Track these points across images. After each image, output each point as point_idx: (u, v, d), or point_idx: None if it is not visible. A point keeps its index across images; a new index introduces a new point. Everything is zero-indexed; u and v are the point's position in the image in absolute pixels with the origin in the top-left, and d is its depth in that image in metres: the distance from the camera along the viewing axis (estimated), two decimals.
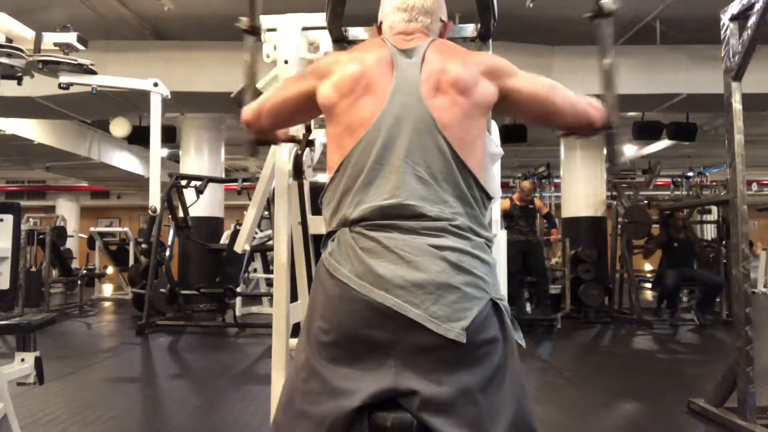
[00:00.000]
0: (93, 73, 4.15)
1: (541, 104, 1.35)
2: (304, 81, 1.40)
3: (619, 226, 7.60)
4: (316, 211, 2.09)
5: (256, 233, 7.27)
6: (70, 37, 3.88)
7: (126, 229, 10.97)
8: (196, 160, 8.69)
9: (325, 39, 2.20)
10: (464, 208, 1.25)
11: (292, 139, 1.75)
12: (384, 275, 1.16)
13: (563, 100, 1.35)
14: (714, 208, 8.90)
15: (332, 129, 1.34)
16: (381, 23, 1.46)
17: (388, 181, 1.23)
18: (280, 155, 2.03)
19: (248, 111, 1.46)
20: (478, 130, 1.31)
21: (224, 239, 8.05)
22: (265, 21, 2.28)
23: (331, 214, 1.31)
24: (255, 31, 1.67)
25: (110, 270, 11.03)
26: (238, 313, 7.05)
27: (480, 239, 1.25)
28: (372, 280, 1.16)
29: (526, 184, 7.12)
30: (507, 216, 6.67)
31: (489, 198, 1.32)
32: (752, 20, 3.00)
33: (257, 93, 1.62)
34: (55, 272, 9.65)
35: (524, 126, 8.08)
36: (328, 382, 1.17)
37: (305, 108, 1.41)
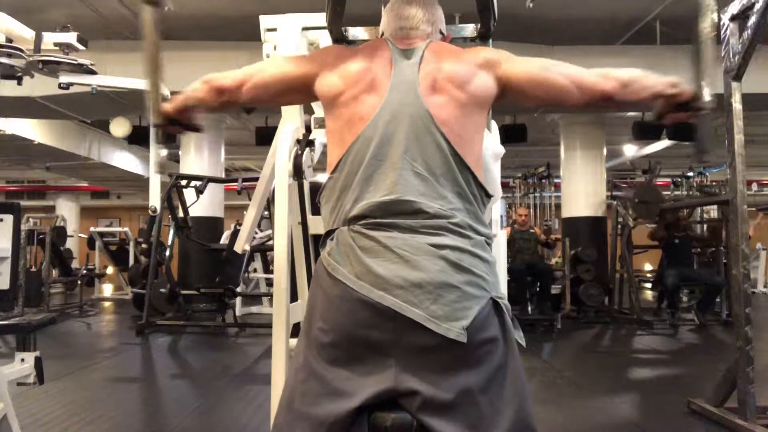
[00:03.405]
0: (93, 73, 4.16)
1: (541, 86, 1.31)
2: (306, 64, 1.39)
3: (620, 226, 7.60)
4: (316, 211, 2.09)
5: (256, 233, 7.27)
6: (70, 37, 3.88)
7: (126, 229, 10.98)
8: (196, 160, 8.69)
9: (325, 39, 2.20)
10: (463, 204, 1.25)
11: (197, 129, 1.44)
12: (383, 275, 1.15)
13: (564, 77, 1.30)
14: (714, 208, 8.91)
15: (333, 123, 1.34)
16: (383, 34, 1.47)
17: (387, 177, 1.23)
18: (280, 155, 2.03)
19: (227, 77, 1.37)
20: (476, 127, 1.31)
21: (224, 239, 8.04)
22: (265, 21, 2.29)
23: (330, 212, 1.31)
24: (158, 1, 1.28)
25: (110, 270, 11.03)
26: (238, 313, 7.05)
27: (480, 237, 1.25)
28: (371, 280, 1.16)
29: (522, 209, 7.72)
30: (510, 243, 6.83)
31: (488, 196, 1.31)
32: (752, 20, 2.99)
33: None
34: (55, 272, 9.65)
35: (524, 126, 8.09)
36: (327, 383, 1.16)
37: (298, 90, 1.40)
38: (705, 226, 8.86)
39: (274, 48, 2.27)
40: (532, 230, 7.37)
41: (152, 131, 1.31)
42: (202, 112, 1.40)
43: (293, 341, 1.84)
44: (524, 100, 1.37)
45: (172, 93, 4.88)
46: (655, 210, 7.23)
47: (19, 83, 4.04)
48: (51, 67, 3.97)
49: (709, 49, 1.26)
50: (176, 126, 1.39)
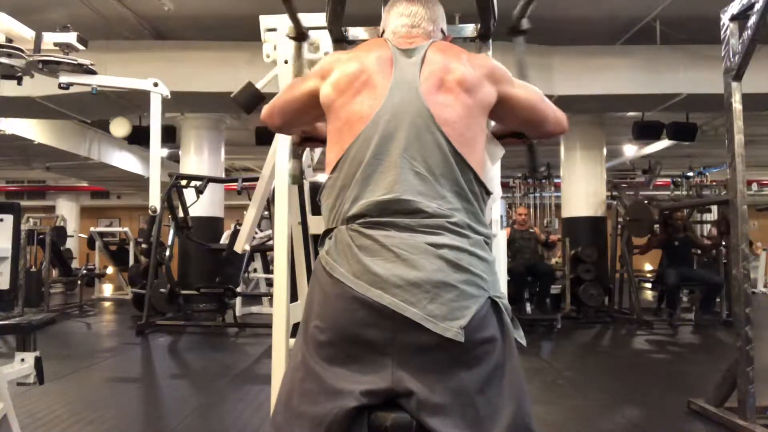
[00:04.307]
0: (93, 73, 4.15)
1: (533, 112, 1.40)
2: (308, 81, 1.42)
3: (620, 226, 7.60)
4: (316, 211, 2.09)
5: (256, 233, 7.27)
6: (70, 37, 3.87)
7: (126, 229, 10.98)
8: (196, 160, 8.69)
9: (325, 39, 2.20)
10: (462, 203, 1.25)
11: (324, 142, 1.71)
12: (380, 274, 1.15)
13: (549, 108, 1.42)
14: (714, 208, 8.91)
15: (332, 125, 1.35)
16: (383, 32, 1.47)
17: (386, 176, 1.23)
18: (280, 155, 2.03)
19: (265, 109, 1.50)
20: (479, 128, 1.32)
21: (224, 239, 8.05)
22: (265, 21, 2.29)
23: (329, 210, 1.31)
24: (302, 36, 1.68)
25: (110, 270, 11.04)
26: (238, 313, 7.05)
27: (479, 236, 1.25)
28: (369, 279, 1.16)
29: (522, 209, 7.68)
30: (510, 243, 6.83)
31: (488, 193, 1.32)
32: (752, 20, 3.00)
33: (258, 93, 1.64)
34: (55, 272, 9.65)
35: None
36: (324, 381, 1.16)
37: (310, 107, 1.43)
38: (706, 227, 8.87)
39: (274, 48, 2.27)
40: (531, 230, 7.38)
41: (291, 148, 1.92)
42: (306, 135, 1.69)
43: (293, 341, 1.84)
44: (509, 119, 1.46)
45: (173, 93, 4.86)
46: (647, 227, 7.26)
47: (19, 83, 4.03)
48: (51, 67, 3.97)
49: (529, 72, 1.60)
50: (310, 142, 1.71)
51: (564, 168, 8.75)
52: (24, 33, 3.80)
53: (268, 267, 8.18)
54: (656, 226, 7.47)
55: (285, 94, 1.48)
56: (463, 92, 1.28)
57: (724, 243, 7.23)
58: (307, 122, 1.56)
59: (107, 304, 9.96)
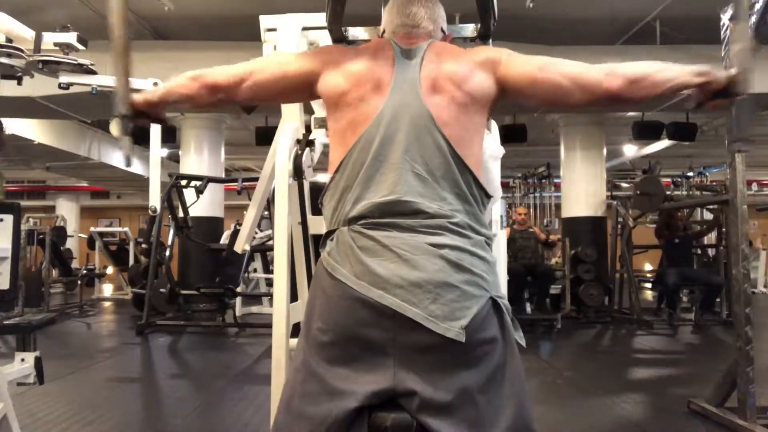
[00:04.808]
0: (93, 73, 4.16)
1: (539, 87, 1.28)
2: (308, 61, 1.37)
3: (620, 226, 7.60)
4: (316, 211, 2.09)
5: (256, 233, 7.27)
6: (70, 37, 3.88)
7: (126, 229, 10.97)
8: (196, 160, 8.69)
9: (325, 39, 2.20)
10: (463, 205, 1.25)
11: (162, 122, 1.47)
12: (382, 274, 1.15)
13: (563, 77, 1.26)
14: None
15: (336, 123, 1.33)
16: (383, 32, 1.47)
17: (387, 178, 1.23)
18: (280, 155, 2.03)
19: (221, 74, 1.34)
20: (476, 127, 1.30)
21: (224, 239, 8.04)
22: (265, 21, 2.29)
23: (331, 212, 1.30)
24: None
25: (110, 270, 11.04)
26: (238, 313, 7.05)
27: (479, 237, 1.25)
28: (370, 280, 1.16)
29: (521, 209, 7.69)
30: (510, 243, 6.83)
31: (488, 197, 1.31)
32: (752, 20, 3.00)
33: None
34: (55, 272, 9.65)
35: (524, 126, 8.10)
36: (326, 382, 1.16)
37: (299, 90, 1.39)
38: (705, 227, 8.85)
39: (274, 48, 2.27)
40: (531, 230, 7.39)
41: (117, 122, 1.37)
42: (185, 107, 1.38)
43: (293, 341, 1.83)
44: (524, 99, 1.35)
45: None
46: (658, 202, 7.18)
47: (19, 83, 4.04)
48: (51, 67, 3.97)
49: (746, 29, 1.22)
50: (143, 118, 1.38)
51: (564, 168, 8.76)
52: (24, 33, 3.81)
53: (268, 267, 8.18)
54: (652, 227, 7.47)
55: (274, 68, 1.37)
56: (455, 89, 1.27)
57: (724, 241, 7.23)
58: (282, 102, 1.50)
59: (107, 304, 9.97)
